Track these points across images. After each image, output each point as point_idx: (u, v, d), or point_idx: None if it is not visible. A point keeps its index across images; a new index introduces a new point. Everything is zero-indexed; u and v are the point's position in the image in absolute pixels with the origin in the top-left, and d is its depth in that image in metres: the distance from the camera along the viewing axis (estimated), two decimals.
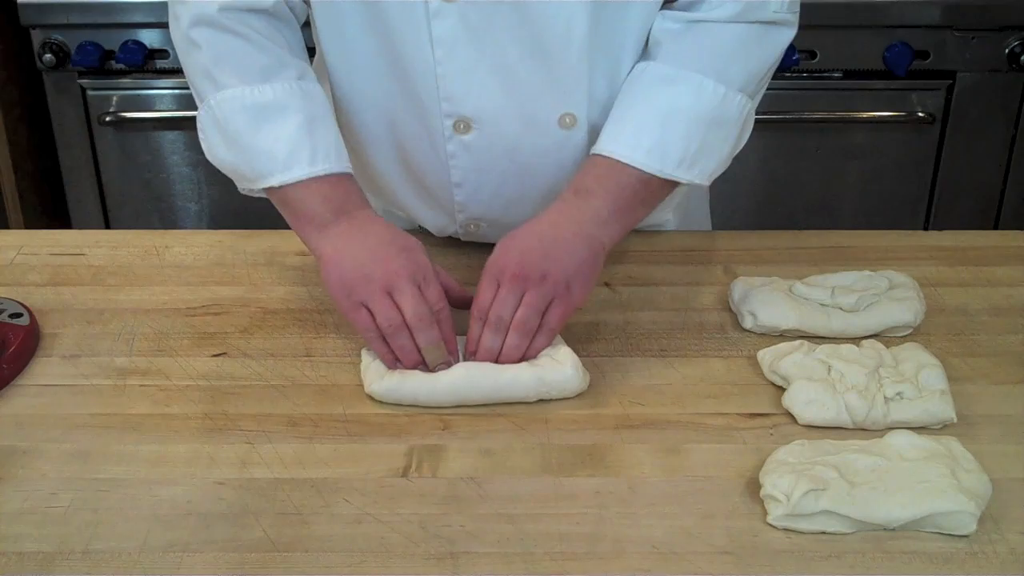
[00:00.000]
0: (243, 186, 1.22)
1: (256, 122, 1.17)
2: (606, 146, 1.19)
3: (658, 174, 1.17)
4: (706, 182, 1.20)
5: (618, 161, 1.17)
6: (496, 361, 1.13)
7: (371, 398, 1.12)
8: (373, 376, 1.12)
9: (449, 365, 1.12)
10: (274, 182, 1.17)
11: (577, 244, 1.14)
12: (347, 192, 1.18)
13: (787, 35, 1.22)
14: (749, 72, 1.21)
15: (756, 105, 1.24)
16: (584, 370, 1.13)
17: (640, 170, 1.17)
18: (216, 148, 1.21)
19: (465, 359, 1.14)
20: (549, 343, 1.14)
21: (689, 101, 1.18)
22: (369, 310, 1.11)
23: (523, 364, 1.12)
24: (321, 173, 1.16)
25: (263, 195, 1.21)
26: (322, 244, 1.16)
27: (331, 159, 1.17)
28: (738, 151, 1.24)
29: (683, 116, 1.17)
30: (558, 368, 1.12)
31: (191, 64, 1.21)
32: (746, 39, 1.20)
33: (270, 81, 1.18)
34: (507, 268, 1.13)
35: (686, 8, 1.20)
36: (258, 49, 1.18)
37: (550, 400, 1.12)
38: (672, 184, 1.20)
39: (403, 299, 1.11)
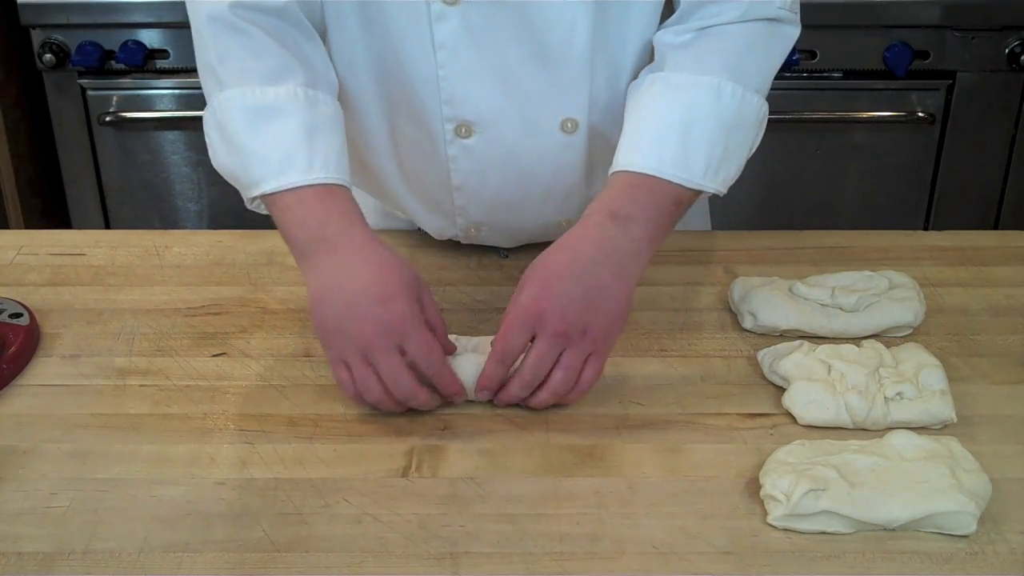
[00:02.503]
0: (244, 195, 1.16)
1: (254, 124, 1.12)
2: (631, 161, 1.13)
3: (685, 184, 1.12)
4: (724, 191, 1.17)
5: (650, 177, 1.12)
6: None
7: None
8: None
9: (459, 402, 1.10)
10: (267, 188, 1.10)
11: (618, 290, 1.09)
12: (328, 211, 1.10)
13: (792, 33, 1.21)
14: (762, 72, 1.18)
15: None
16: None
17: (669, 183, 1.12)
18: (218, 151, 1.16)
19: (477, 395, 1.11)
20: (577, 399, 1.10)
21: (709, 105, 1.13)
22: (350, 370, 1.06)
23: None
24: (314, 181, 1.10)
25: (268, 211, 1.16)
26: (307, 278, 1.10)
27: (329, 167, 1.11)
28: (750, 156, 1.21)
29: (705, 121, 1.13)
30: None
31: (201, 60, 1.17)
32: (756, 38, 1.18)
33: (274, 84, 1.13)
34: (548, 322, 1.05)
35: (686, 19, 1.18)
36: (265, 50, 1.14)
37: None
38: (697, 195, 1.15)
39: (382, 370, 1.05)
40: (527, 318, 1.06)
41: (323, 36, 1.22)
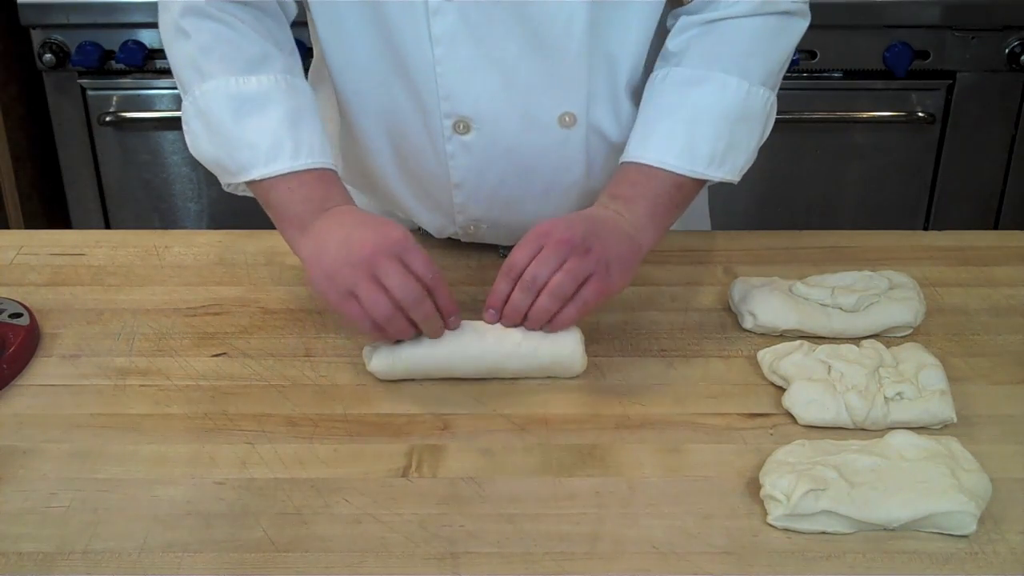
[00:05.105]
0: (226, 180, 1.21)
1: (240, 113, 1.16)
2: (637, 153, 1.20)
3: (690, 175, 1.19)
4: (736, 178, 1.22)
5: (651, 166, 1.18)
6: (522, 322, 1.12)
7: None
8: (373, 363, 1.13)
9: (455, 326, 1.12)
10: (255, 175, 1.15)
11: (620, 235, 1.15)
12: (328, 190, 1.16)
13: (802, 25, 1.24)
14: (769, 65, 1.22)
15: (775, 95, 1.25)
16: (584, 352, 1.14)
17: (673, 173, 1.18)
18: (199, 140, 1.20)
19: (485, 318, 1.13)
20: (579, 318, 1.12)
21: (714, 100, 1.19)
22: (358, 297, 1.08)
23: (519, 331, 1.13)
24: (303, 167, 1.15)
25: (247, 192, 1.20)
26: (303, 246, 1.14)
27: (315, 153, 1.16)
28: (762, 143, 1.26)
29: (709, 116, 1.19)
30: (559, 339, 1.12)
31: (178, 54, 1.20)
32: (765, 32, 1.21)
33: (256, 73, 1.17)
34: (553, 232, 1.11)
35: (702, 9, 1.21)
36: (246, 40, 1.18)
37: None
38: (703, 182, 1.21)
39: (388, 279, 1.07)
40: (534, 236, 1.12)
41: (291, 20, 1.25)
